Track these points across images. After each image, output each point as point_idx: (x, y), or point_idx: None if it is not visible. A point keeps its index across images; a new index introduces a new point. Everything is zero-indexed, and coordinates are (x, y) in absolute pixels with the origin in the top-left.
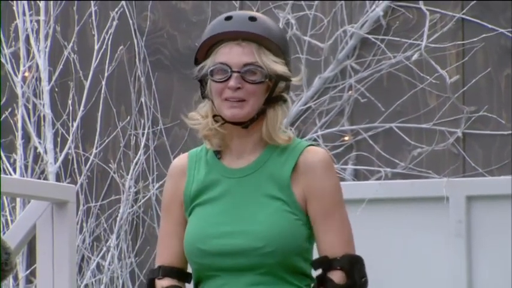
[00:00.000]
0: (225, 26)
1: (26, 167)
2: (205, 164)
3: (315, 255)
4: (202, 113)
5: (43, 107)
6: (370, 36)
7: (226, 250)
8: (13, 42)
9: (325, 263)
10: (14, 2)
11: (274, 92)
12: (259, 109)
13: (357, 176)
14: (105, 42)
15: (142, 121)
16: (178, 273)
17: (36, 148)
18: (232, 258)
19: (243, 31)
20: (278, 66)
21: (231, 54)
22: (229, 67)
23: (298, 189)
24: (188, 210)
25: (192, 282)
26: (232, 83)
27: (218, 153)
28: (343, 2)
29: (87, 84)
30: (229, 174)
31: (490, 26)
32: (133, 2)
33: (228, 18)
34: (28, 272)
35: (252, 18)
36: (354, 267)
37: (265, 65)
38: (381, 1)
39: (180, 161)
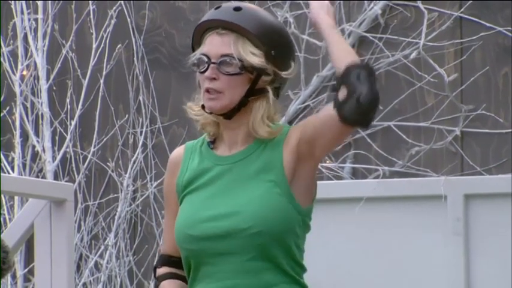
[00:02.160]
0: (209, 15)
1: (24, 165)
2: (199, 154)
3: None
4: (200, 104)
5: (41, 105)
6: (368, 35)
7: (213, 233)
8: (11, 41)
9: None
10: (12, 0)
11: (257, 84)
12: (240, 101)
13: (355, 174)
14: (103, 40)
15: (141, 120)
16: (175, 261)
17: (34, 147)
18: (220, 241)
19: (222, 20)
20: (254, 58)
21: (211, 45)
22: (208, 58)
23: (289, 158)
24: (180, 199)
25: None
26: (207, 73)
27: (212, 143)
28: (341, 0)
29: (85, 82)
30: (220, 161)
31: (488, 24)
32: (132, 0)
33: (217, 7)
34: (26, 270)
35: (237, 9)
36: (348, 75)
37: (241, 56)
38: (378, 0)
39: (177, 152)
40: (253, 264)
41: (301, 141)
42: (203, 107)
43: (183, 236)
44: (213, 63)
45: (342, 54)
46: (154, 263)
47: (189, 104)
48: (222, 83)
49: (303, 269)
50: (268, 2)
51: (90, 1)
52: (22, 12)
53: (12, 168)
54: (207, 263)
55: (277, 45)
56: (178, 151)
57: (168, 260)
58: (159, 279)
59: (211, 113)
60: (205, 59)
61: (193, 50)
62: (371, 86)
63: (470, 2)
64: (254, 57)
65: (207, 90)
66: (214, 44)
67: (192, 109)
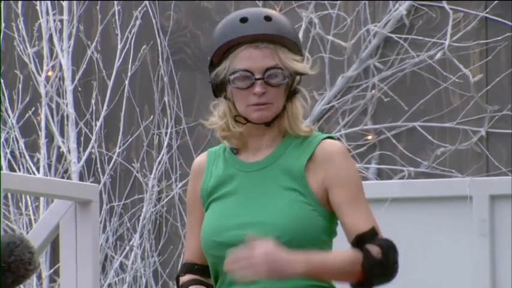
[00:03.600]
0: (242, 30)
1: (50, 166)
2: (223, 161)
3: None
4: (219, 114)
5: (66, 106)
6: (393, 35)
7: (241, 241)
8: (36, 42)
9: (367, 236)
10: (38, 1)
11: (292, 87)
12: (283, 106)
13: (380, 175)
14: (128, 41)
15: (166, 120)
16: (199, 269)
17: (59, 147)
18: None
19: (261, 34)
20: (298, 65)
21: (252, 60)
22: (252, 74)
23: (315, 179)
24: (205, 205)
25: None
26: (257, 89)
27: (235, 149)
28: (366, 1)
29: (110, 83)
30: (245, 168)
31: None
32: (157, 1)
33: (244, 20)
34: (51, 271)
35: (268, 18)
36: (390, 249)
37: (286, 65)
38: (404, 0)
39: (200, 159)
40: None
41: (328, 199)
42: (235, 116)
43: (209, 242)
44: (261, 78)
45: (348, 276)
46: (177, 272)
47: (211, 120)
48: (271, 95)
49: None
50: (293, 2)
51: (115, 2)
52: (47, 13)
53: (38, 169)
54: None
55: (301, 45)
56: (201, 158)
57: (192, 267)
58: (184, 286)
59: (246, 123)
60: (250, 75)
61: (212, 63)
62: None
63: (495, 2)
64: (298, 63)
65: (254, 104)
66: (255, 59)
67: (215, 123)
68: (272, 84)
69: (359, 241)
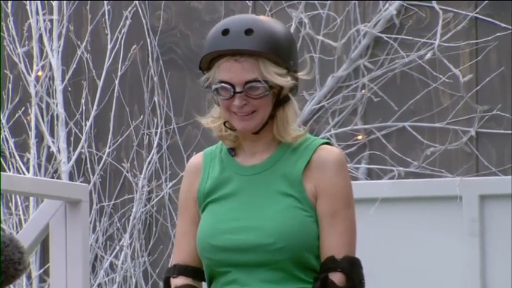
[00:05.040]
0: (222, 43)
1: (39, 166)
2: (220, 162)
3: None
4: (214, 115)
5: (56, 106)
6: (383, 35)
7: (236, 246)
8: (26, 42)
9: (326, 264)
10: (28, 1)
11: (281, 95)
12: (269, 115)
13: (370, 175)
14: (118, 41)
15: (155, 120)
16: (193, 271)
17: (49, 147)
18: (242, 254)
19: (239, 49)
20: (279, 79)
21: (232, 72)
22: (232, 86)
23: (310, 186)
24: (201, 207)
25: (206, 280)
26: (236, 102)
27: (232, 151)
28: (356, 1)
29: (100, 83)
30: (242, 171)
31: (503, 25)
32: (147, 1)
33: (225, 32)
34: (41, 271)
35: (249, 31)
36: (353, 269)
37: (267, 78)
38: (393, 0)
39: (196, 159)
40: (274, 275)
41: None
42: (225, 123)
43: (205, 245)
44: (240, 92)
45: None
46: (166, 273)
47: (206, 120)
48: (252, 105)
49: None
50: (283, 2)
51: (105, 2)
52: (37, 13)
53: (28, 169)
54: (228, 272)
55: (292, 54)
56: (197, 158)
57: (185, 269)
58: None
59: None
60: (229, 87)
61: (200, 69)
62: None
63: (485, 2)
64: (280, 77)
65: (236, 113)
66: (235, 71)
67: (207, 121)
68: (252, 96)
69: (322, 266)
